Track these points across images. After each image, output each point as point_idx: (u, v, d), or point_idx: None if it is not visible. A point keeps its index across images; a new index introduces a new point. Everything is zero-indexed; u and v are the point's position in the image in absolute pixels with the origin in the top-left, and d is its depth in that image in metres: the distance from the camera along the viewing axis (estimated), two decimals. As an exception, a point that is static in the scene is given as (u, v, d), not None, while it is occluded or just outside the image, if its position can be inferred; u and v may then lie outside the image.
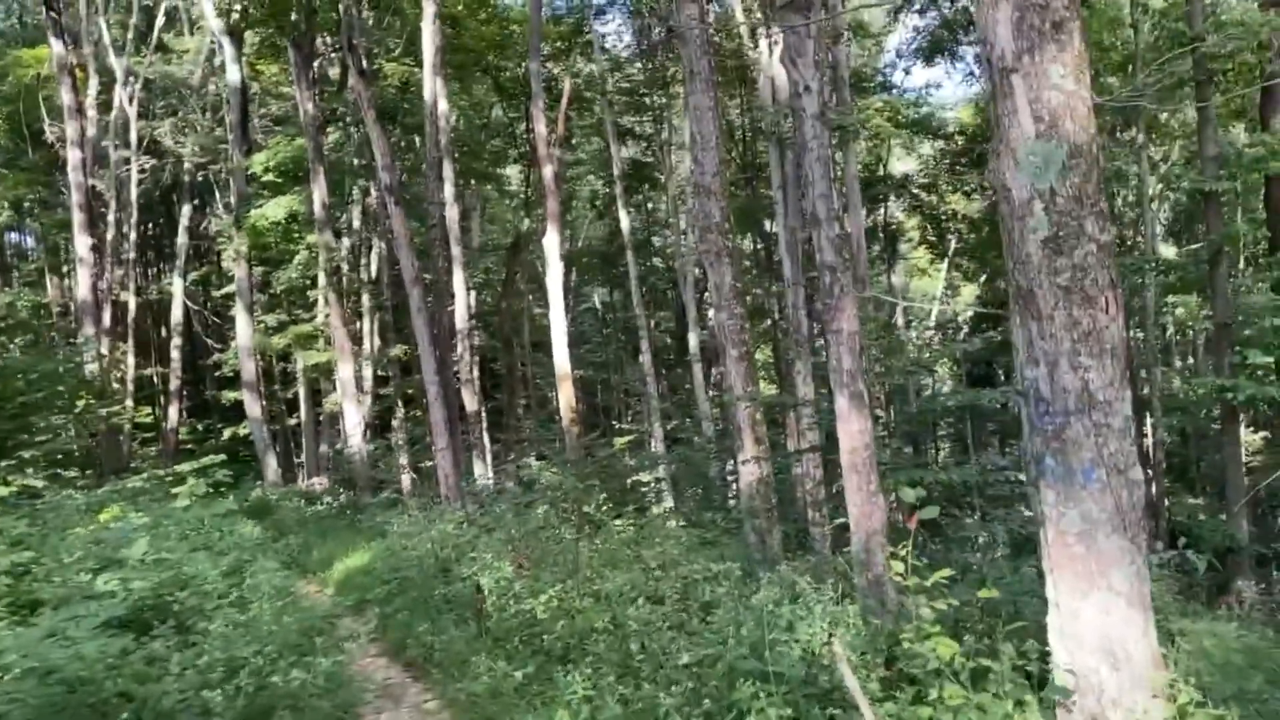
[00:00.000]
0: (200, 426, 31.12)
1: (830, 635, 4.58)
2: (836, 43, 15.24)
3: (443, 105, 18.62)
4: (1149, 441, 17.36)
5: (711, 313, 34.75)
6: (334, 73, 24.76)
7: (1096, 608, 3.51)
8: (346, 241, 25.84)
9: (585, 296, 39.98)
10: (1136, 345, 20.49)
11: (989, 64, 3.68)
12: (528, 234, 31.08)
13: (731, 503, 18.18)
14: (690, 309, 24.25)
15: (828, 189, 7.10)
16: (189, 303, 28.35)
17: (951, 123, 30.99)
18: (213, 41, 25.11)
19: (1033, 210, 3.58)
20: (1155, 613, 3.71)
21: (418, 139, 25.85)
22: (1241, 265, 23.51)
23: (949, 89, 42.45)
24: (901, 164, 34.12)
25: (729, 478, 20.49)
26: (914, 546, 8.25)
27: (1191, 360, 30.35)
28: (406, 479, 21.61)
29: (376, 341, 26.03)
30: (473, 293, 27.03)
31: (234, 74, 21.89)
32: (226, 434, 28.80)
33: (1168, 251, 24.97)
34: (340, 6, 18.35)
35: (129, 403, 25.64)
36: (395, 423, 26.35)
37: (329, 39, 22.34)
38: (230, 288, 25.41)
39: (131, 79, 26.36)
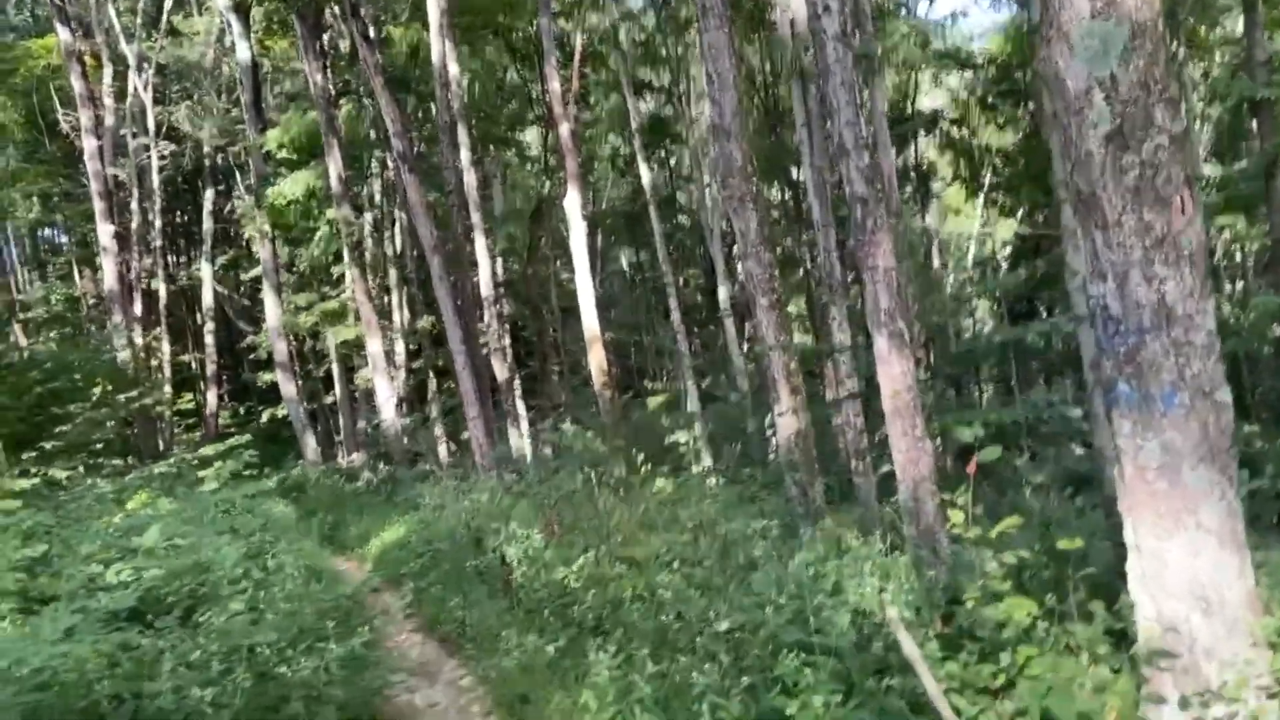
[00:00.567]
0: (241, 410, 31.33)
1: (881, 593, 4.21)
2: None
3: (453, 68, 18.16)
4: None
5: (740, 265, 34.22)
6: (344, 45, 24.36)
7: (1184, 549, 3.11)
8: (368, 216, 25.59)
9: (613, 258, 39.55)
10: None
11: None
12: (550, 198, 30.64)
13: (771, 457, 17.84)
14: (719, 263, 23.73)
15: (854, 115, 6.63)
16: (219, 287, 28.35)
17: (980, 53, 29.88)
18: (221, 20, 24.80)
19: (1091, 101, 3.13)
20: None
21: (433, 107, 25.43)
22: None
23: (976, 17, 40.99)
24: (930, 99, 33.06)
25: (768, 433, 20.13)
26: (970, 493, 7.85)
27: (1241, 284, 29.29)
28: (443, 450, 21.52)
29: (405, 315, 25.87)
30: (498, 260, 26.71)
31: (244, 52, 21.60)
32: (265, 416, 28.95)
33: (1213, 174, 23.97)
34: (342, -28, 17.93)
35: (167, 389, 25.76)
36: (430, 395, 26.26)
37: (335, 9, 21.91)
38: (258, 270, 25.33)
39: (145, 65, 26.16)
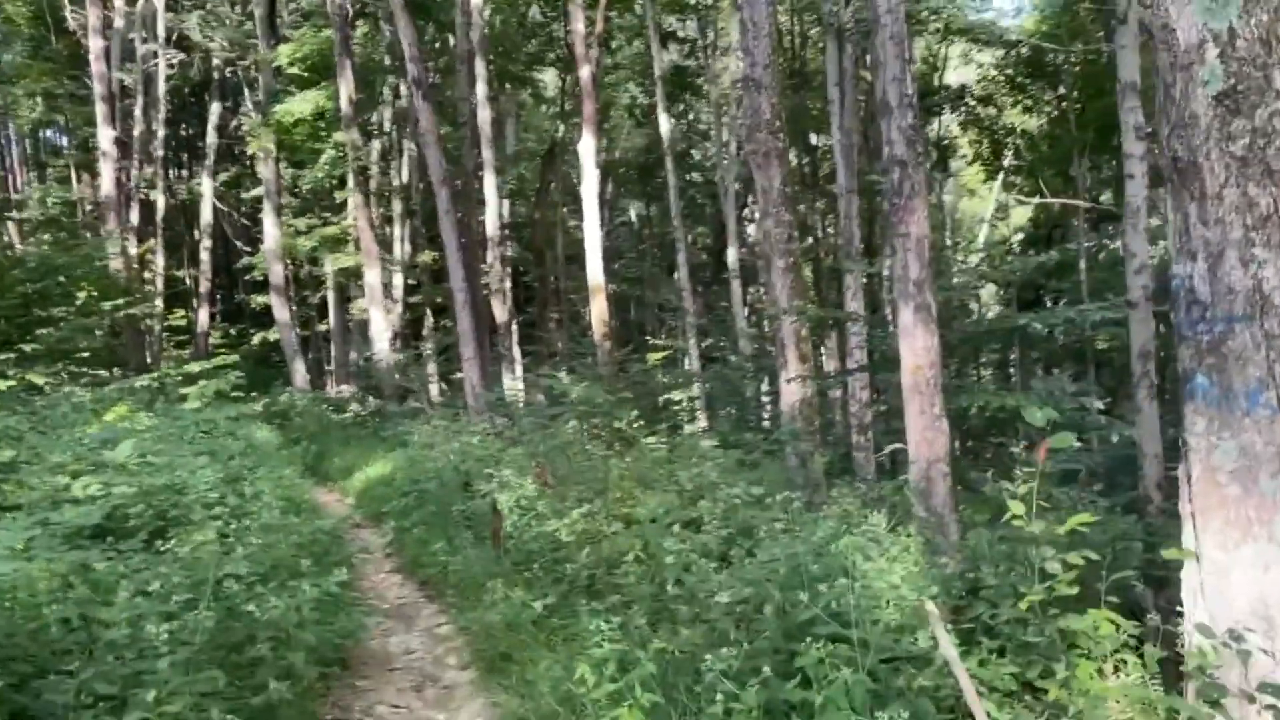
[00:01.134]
0: (233, 331, 30.97)
1: (901, 580, 3.93)
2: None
3: (475, -2, 17.57)
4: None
5: (752, 228, 33.73)
6: (364, -37, 23.62)
7: (1251, 562, 2.82)
8: (377, 144, 25.04)
9: (621, 210, 38.97)
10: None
11: None
12: (564, 142, 30.05)
13: (766, 424, 17.60)
14: (730, 223, 23.32)
15: (901, 71, 6.23)
16: (219, 204, 27.79)
17: (1015, 30, 29.16)
18: (238, -72, 24.01)
19: (1203, 57, 2.78)
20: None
21: (451, 38, 24.77)
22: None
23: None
24: (957, 75, 32.36)
25: (764, 398, 19.88)
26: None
27: None
28: (434, 389, 21.24)
29: (407, 248, 25.43)
30: (505, 201, 26.22)
31: (260, -39, 20.89)
32: (257, 339, 28.62)
33: None
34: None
35: (159, 303, 25.36)
36: (425, 332, 25.93)
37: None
38: (259, 190, 24.80)
39: (157, -33, 25.35)
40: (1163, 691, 3.11)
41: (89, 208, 29.13)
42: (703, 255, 35.69)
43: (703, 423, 18.95)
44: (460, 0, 16.98)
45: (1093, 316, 7.54)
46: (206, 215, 26.86)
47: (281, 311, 23.00)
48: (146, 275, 25.33)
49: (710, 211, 34.63)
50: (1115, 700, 2.90)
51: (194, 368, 9.90)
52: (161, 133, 27.40)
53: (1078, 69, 24.88)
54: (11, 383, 7.66)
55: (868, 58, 14.85)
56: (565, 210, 32.65)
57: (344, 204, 24.57)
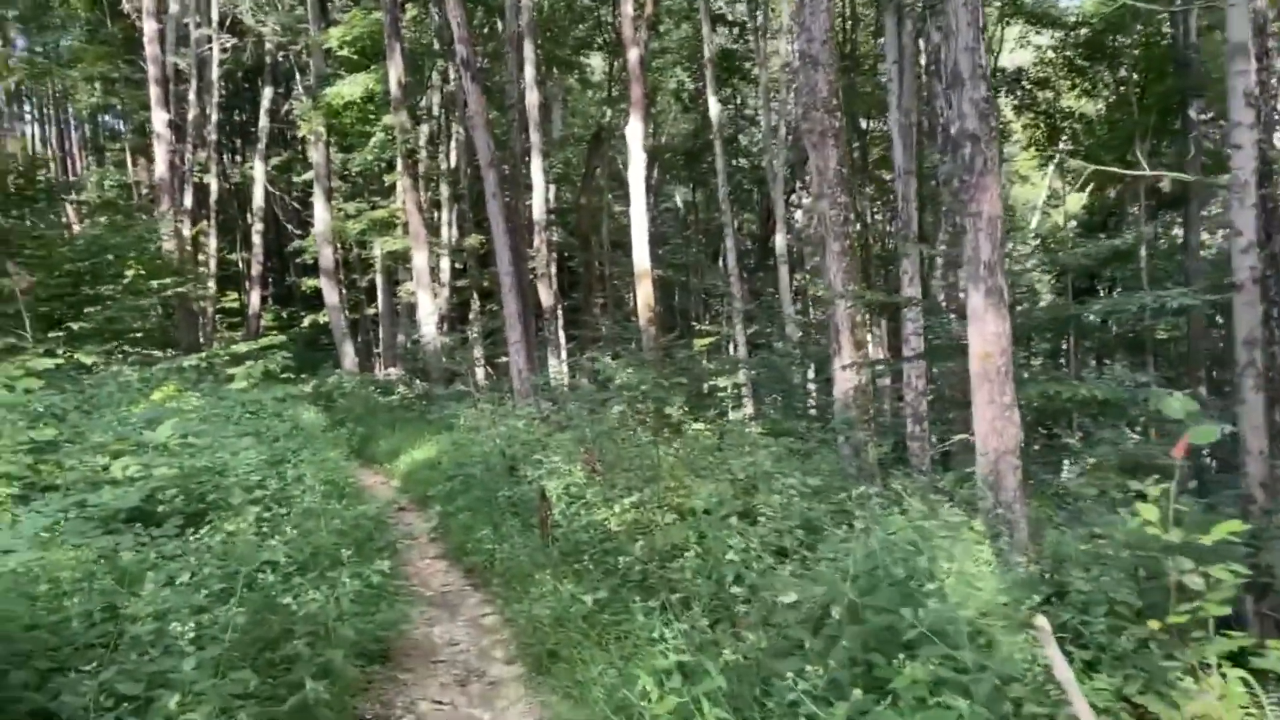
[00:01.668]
0: (284, 314, 31.33)
1: (1015, 602, 3.65)
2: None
3: (525, -22, 17.38)
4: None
5: (799, 214, 33.20)
6: (413, -54, 23.56)
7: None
8: (425, 128, 25.01)
9: (666, 195, 38.66)
10: None
11: None
12: (610, 127, 29.82)
13: (812, 411, 17.26)
14: (779, 208, 22.91)
15: (975, 40, 5.89)
16: (270, 188, 28.02)
17: (1074, 13, 28.25)
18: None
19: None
20: None
21: (499, 22, 24.64)
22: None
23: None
24: (1013, 57, 31.49)
25: (809, 385, 19.52)
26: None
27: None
28: (480, 372, 21.21)
29: (454, 232, 25.42)
30: (551, 186, 26.07)
31: (310, -55, 20.89)
32: (307, 321, 28.91)
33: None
34: None
35: (212, 285, 25.68)
36: (471, 315, 25.92)
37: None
38: (310, 174, 24.94)
39: (210, -48, 25.56)
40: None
41: (144, 191, 29.58)
42: (746, 242, 35.27)
43: (749, 409, 18.67)
44: (509, -19, 16.77)
45: (1177, 301, 7.12)
46: (258, 199, 27.09)
47: (331, 294, 23.15)
48: (200, 258, 25.64)
49: (757, 197, 34.21)
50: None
51: (241, 348, 9.85)
52: (215, 117, 27.68)
53: (1138, 51, 24.04)
54: (60, 361, 7.65)
55: (926, 36, 14.39)
56: (610, 196, 32.45)
57: (392, 188, 24.61)
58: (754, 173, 33.88)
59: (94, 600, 3.14)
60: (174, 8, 23.59)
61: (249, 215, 29.83)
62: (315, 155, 22.56)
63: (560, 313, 24.41)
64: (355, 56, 20.82)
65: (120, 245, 12.29)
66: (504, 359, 20.54)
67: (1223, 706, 2.61)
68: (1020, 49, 30.60)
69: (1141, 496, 8.28)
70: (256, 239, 27.71)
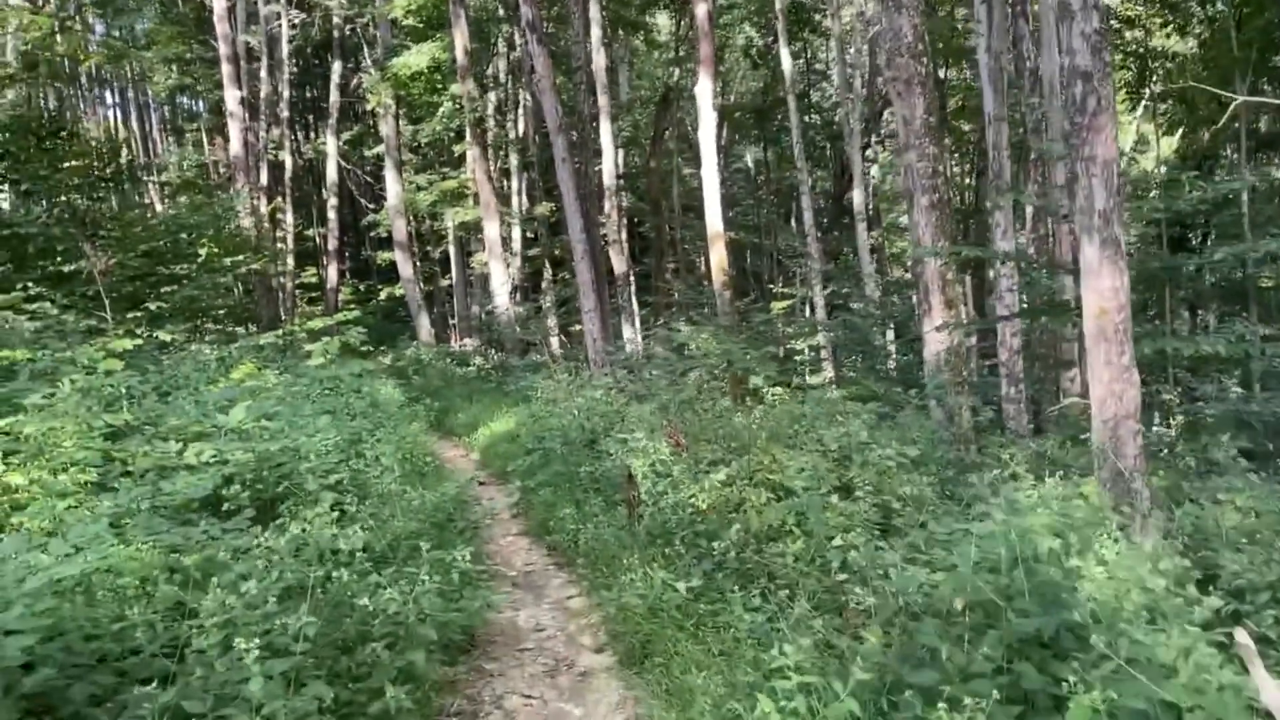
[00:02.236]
0: (361, 287, 31.74)
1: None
2: None
3: (589, -64, 16.92)
4: None
5: (874, 170, 32.20)
6: (475, -90, 23.23)
7: None
8: (492, 96, 24.82)
9: (736, 156, 37.91)
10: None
11: None
12: (678, 87, 29.23)
13: (894, 374, 16.68)
14: (856, 165, 22.15)
15: (1087, -34, 5.35)
16: (343, 163, 28.23)
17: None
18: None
19: None
20: None
21: (563, -15, 24.26)
22: None
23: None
24: (1103, -5, 29.81)
25: (891, 347, 18.90)
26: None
27: None
28: (554, 341, 21.11)
29: (524, 201, 25.27)
30: (620, 151, 25.67)
31: (373, -85, 20.74)
32: (384, 294, 29.22)
33: None
34: None
35: (290, 261, 26.07)
36: (544, 285, 25.83)
37: None
38: (381, 148, 25.02)
39: (276, -72, 25.63)
40: None
41: (222, 170, 30.13)
42: (820, 200, 34.38)
43: (830, 373, 18.18)
44: (573, -61, 16.35)
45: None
46: (332, 174, 27.32)
47: (405, 267, 23.28)
48: (278, 234, 26.03)
49: (830, 154, 33.27)
50: None
51: (317, 324, 9.81)
52: (286, 94, 27.92)
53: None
54: (139, 341, 7.66)
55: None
56: (680, 158, 31.92)
57: (462, 158, 24.53)
58: (826, 129, 32.97)
59: (161, 602, 2.98)
60: (242, -16, 23.78)
61: (323, 190, 30.18)
62: (385, 128, 22.61)
63: (633, 279, 24.15)
64: (420, 25, 20.67)
65: (197, 224, 12.38)
66: (577, 327, 20.39)
67: None
68: (1109, -15, 29.00)
69: (1250, 456, 7.68)
70: (331, 214, 28.00)
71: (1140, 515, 5.35)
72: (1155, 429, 10.23)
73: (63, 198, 11.74)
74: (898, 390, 11.83)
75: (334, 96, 27.19)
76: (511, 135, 25.64)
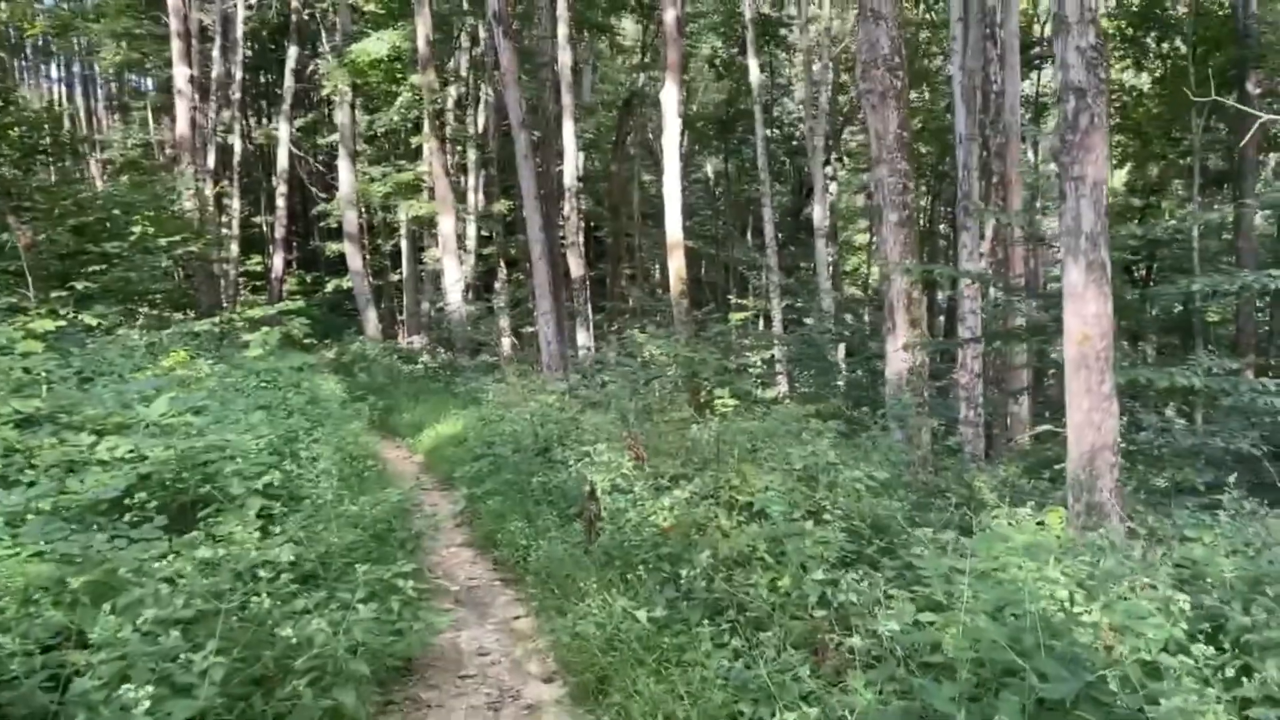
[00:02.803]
0: (308, 278, 30.90)
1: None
2: None
3: (560, -69, 16.60)
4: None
5: (834, 187, 32.27)
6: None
7: None
8: (453, 91, 24.31)
9: (696, 166, 37.82)
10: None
11: None
12: (642, 93, 29.00)
13: (841, 388, 16.59)
14: (817, 180, 22.11)
15: (1085, -21, 5.17)
16: (295, 150, 27.43)
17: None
18: None
19: None
20: None
21: (531, -19, 23.87)
22: None
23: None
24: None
25: (844, 364, 18.83)
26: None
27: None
28: (506, 343, 20.66)
29: (480, 198, 24.77)
30: (580, 154, 25.33)
31: (337, -105, 20.16)
32: (330, 286, 28.45)
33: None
34: None
35: (235, 247, 25.24)
36: (497, 284, 25.35)
37: None
38: (335, 136, 24.35)
39: (235, -96, 24.86)
40: None
41: (168, 150, 29.12)
42: (776, 215, 34.41)
43: (783, 387, 18.02)
44: (544, -67, 16.02)
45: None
46: (283, 161, 26.52)
47: (355, 259, 22.67)
48: (223, 219, 25.18)
49: (789, 169, 33.32)
50: None
51: (256, 312, 9.27)
52: (239, 76, 27.09)
53: (1192, 20, 22.98)
54: (63, 323, 7.11)
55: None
56: (640, 165, 31.69)
57: (418, 151, 23.98)
58: (786, 144, 32.99)
59: (41, 631, 2.55)
60: (198, -39, 22.99)
61: (273, 177, 29.31)
62: (341, 116, 21.99)
63: (588, 284, 23.79)
64: (382, 13, 20.14)
65: (133, 202, 11.71)
66: (530, 329, 19.97)
67: None
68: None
69: (1193, 491, 7.56)
70: (280, 201, 27.18)
71: (1116, 548, 5.16)
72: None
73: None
74: (864, 410, 11.63)
75: (289, 81, 26.43)
76: (471, 131, 25.14)
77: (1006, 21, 12.46)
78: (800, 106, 30.95)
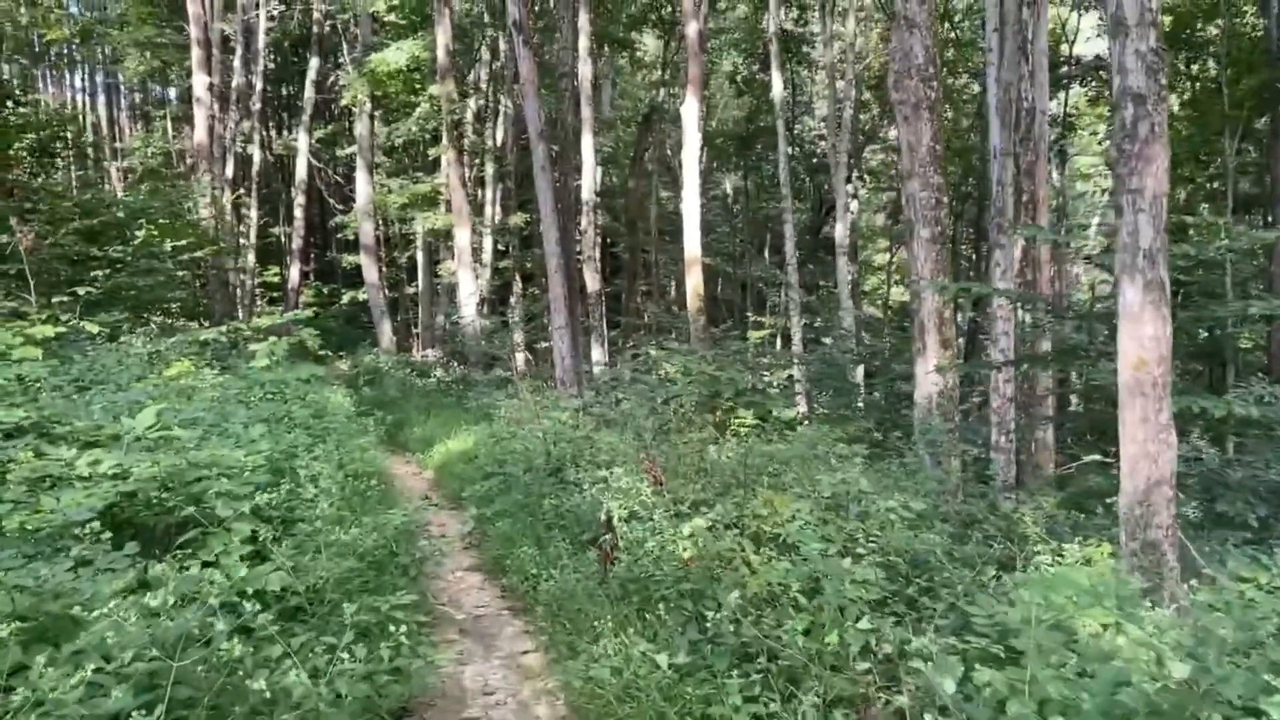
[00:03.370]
0: (325, 289, 30.80)
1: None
2: None
3: (582, -57, 16.44)
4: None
5: (855, 204, 31.97)
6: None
7: None
8: (472, 103, 24.18)
9: (714, 183, 37.61)
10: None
11: None
12: (661, 108, 28.82)
13: (860, 408, 16.22)
14: (840, 196, 21.82)
15: (1144, -21, 4.85)
16: (314, 161, 27.37)
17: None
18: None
19: None
20: None
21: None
22: None
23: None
24: (1089, 46, 29.94)
25: (860, 385, 18.45)
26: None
27: None
28: (520, 357, 20.39)
29: (497, 211, 24.59)
30: (598, 169, 25.14)
31: (360, -93, 20.11)
32: (346, 298, 28.33)
33: None
34: None
35: (251, 257, 25.15)
36: (512, 299, 25.12)
37: None
38: (353, 148, 24.26)
39: (259, -84, 24.91)
40: None
41: (189, 159, 29.13)
42: (796, 233, 34.09)
43: (802, 407, 17.66)
44: (566, -55, 15.85)
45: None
46: (301, 171, 26.45)
47: (371, 271, 22.51)
48: (241, 229, 25.09)
49: (809, 186, 33.02)
50: None
51: (264, 321, 9.00)
52: (259, 86, 27.07)
53: (1226, 40, 22.62)
54: (63, 329, 6.87)
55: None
56: (659, 181, 31.49)
57: (436, 163, 23.83)
58: (807, 161, 32.73)
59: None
60: (222, -28, 22.99)
61: (291, 188, 29.28)
62: (359, 127, 21.89)
63: (604, 299, 23.53)
64: (403, 23, 20.03)
65: (143, 207, 11.51)
66: (544, 345, 19.69)
67: None
68: (1098, 38, 29.10)
69: (1229, 523, 7.14)
70: (298, 212, 27.09)
71: (1171, 591, 4.79)
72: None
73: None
74: (895, 433, 11.28)
75: (309, 92, 26.38)
76: (489, 143, 24.99)
77: (1036, 38, 12.18)
78: (820, 123, 30.73)
